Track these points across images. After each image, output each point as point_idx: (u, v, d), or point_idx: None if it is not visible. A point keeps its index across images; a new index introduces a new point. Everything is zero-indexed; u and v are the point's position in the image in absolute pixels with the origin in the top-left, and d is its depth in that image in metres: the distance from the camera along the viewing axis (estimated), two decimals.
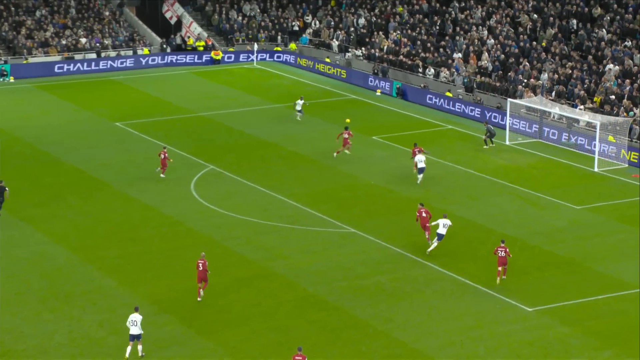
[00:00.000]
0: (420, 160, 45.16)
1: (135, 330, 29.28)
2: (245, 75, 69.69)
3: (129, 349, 29.32)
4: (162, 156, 46.07)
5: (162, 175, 46.05)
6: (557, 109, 53.32)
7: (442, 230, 37.16)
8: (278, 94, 63.82)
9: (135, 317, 29.46)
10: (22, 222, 40.52)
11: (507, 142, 52.69)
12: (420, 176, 45.27)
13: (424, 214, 37.74)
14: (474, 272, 35.93)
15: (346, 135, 48.95)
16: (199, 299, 33.38)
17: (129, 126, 55.92)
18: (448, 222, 37.16)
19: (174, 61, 71.95)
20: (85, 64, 69.37)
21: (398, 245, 38.43)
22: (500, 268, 34.36)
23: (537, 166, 49.03)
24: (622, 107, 52.28)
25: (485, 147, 51.35)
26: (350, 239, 39.37)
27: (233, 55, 73.29)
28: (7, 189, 41.23)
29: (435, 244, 37.23)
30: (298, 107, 55.95)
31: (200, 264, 33.45)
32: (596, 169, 48.56)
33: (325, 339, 30.91)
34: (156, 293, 34.15)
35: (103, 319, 32.13)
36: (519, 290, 34.42)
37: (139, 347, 29.36)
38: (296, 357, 27.94)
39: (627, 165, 48.92)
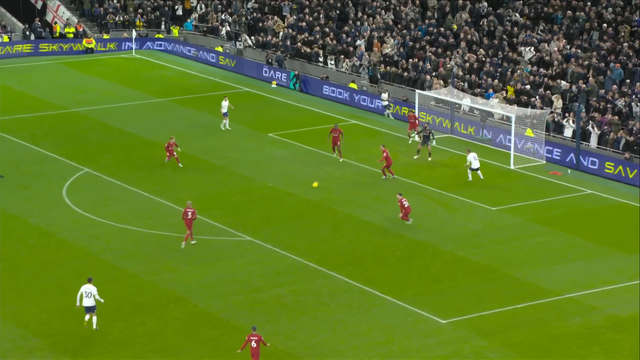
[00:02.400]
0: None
1: (89, 302, 31.62)
2: (123, 66, 68.94)
3: (86, 317, 31.94)
4: (172, 147, 47.41)
5: (179, 165, 47.71)
6: (468, 101, 54.46)
7: (476, 164, 45.76)
8: (161, 87, 63.37)
9: (89, 287, 31.67)
10: None
11: (417, 138, 53.50)
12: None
13: (406, 205, 40.81)
14: (383, 282, 36.40)
15: (336, 134, 49.02)
16: (183, 244, 38.51)
17: None
18: (475, 154, 46.02)
19: (40, 50, 70.63)
20: None
21: (299, 254, 38.63)
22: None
23: (448, 164, 49.96)
24: (539, 98, 53.75)
25: (416, 156, 50.25)
26: (245, 248, 39.38)
27: (108, 44, 72.36)
28: None
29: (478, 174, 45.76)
30: (224, 110, 53.46)
31: (190, 213, 38.13)
32: (512, 167, 49.80)
33: (220, 359, 30.88)
34: (23, 315, 33.49)
35: None
36: (432, 301, 35.02)
37: (94, 319, 31.77)
38: (251, 337, 29.23)
39: (545, 162, 50.30)
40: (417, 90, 55.95)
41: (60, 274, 36.52)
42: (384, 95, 57.66)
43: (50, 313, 33.68)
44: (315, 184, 44.88)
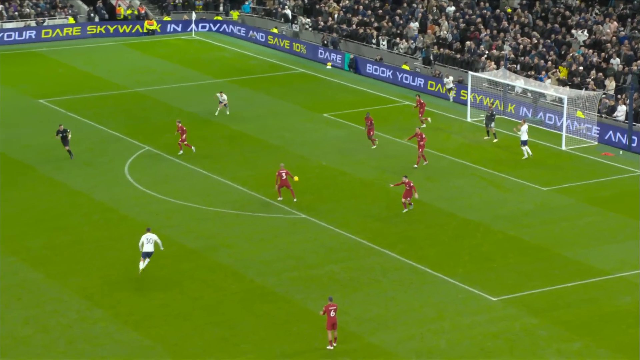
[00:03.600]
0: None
1: (149, 247, 33.77)
2: (183, 47, 69.35)
3: (141, 264, 33.78)
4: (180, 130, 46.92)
5: (192, 149, 47.03)
6: (521, 82, 53.97)
7: (524, 137, 46.12)
8: (219, 68, 63.66)
9: (150, 235, 33.99)
10: None
11: (469, 119, 53.22)
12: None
13: (408, 187, 39.79)
14: (434, 260, 36.36)
15: (369, 124, 48.00)
16: (280, 198, 40.83)
17: (55, 103, 55.39)
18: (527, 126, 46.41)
19: (104, 32, 71.29)
20: (4, 35, 68.40)
21: (352, 232, 38.71)
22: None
23: (500, 145, 49.62)
24: (591, 80, 53.11)
25: (486, 137, 49.70)
26: (300, 225, 39.54)
27: (169, 25, 72.84)
28: None
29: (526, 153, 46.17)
30: (224, 98, 52.89)
31: (283, 173, 40.42)
32: (564, 147, 49.32)
33: (274, 333, 31.09)
34: (88, 286, 34.02)
35: (29, 315, 31.93)
36: (483, 279, 34.92)
37: (146, 261, 33.81)
38: (330, 307, 29.38)
39: (597, 143, 49.74)
40: (470, 72, 55.55)
41: (122, 248, 37.02)
42: (448, 79, 56.97)
43: (113, 285, 34.18)
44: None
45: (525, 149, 46.99)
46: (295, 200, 41.07)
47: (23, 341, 30.35)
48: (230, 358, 29.68)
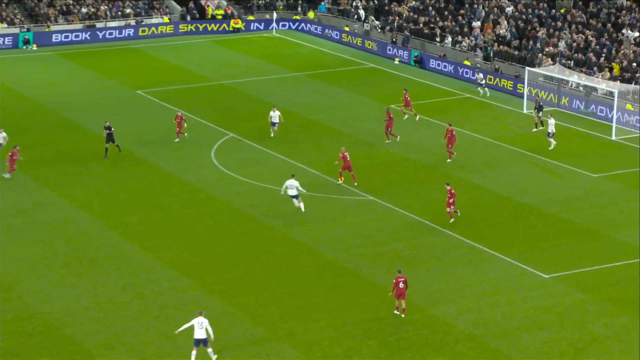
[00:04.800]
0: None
1: (292, 192, 32.78)
2: (265, 44, 69.55)
3: (295, 203, 34.60)
4: (178, 120, 46.42)
5: (179, 139, 46.41)
6: (575, 77, 52.95)
7: (551, 129, 44.97)
8: (297, 63, 63.70)
9: (292, 181, 32.67)
10: (46, 188, 40.81)
11: (525, 111, 52.43)
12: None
13: (448, 195, 37.01)
14: (491, 240, 35.96)
15: (389, 120, 46.58)
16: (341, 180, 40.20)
17: (150, 94, 56.03)
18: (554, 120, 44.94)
19: (194, 30, 71.87)
20: (106, 33, 69.43)
21: (416, 213, 38.48)
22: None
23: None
24: None
25: (535, 129, 48.51)
26: (368, 206, 39.45)
27: (252, 24, 73.11)
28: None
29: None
30: (275, 120, 47.19)
31: (347, 155, 39.99)
32: (614, 137, 48.28)
33: (344, 304, 31.09)
34: (178, 259, 34.41)
35: (126, 283, 32.44)
36: (536, 258, 34.44)
37: (302, 205, 33.20)
38: (399, 279, 29.53)
39: None
40: (527, 68, 54.67)
41: (208, 225, 37.34)
42: (479, 75, 56.01)
43: (200, 258, 34.51)
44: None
45: (552, 140, 45.84)
46: (355, 184, 40.91)
47: (121, 306, 30.86)
48: (304, 325, 29.78)
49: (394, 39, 66.19)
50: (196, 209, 39.04)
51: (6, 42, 66.23)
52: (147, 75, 60.30)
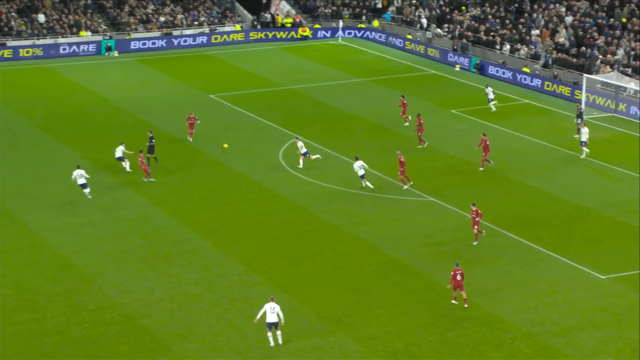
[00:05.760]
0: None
1: (360, 171, 32.01)
2: (331, 51, 69.59)
3: (363, 183, 33.88)
4: (191, 121, 46.63)
5: (189, 139, 46.67)
6: (633, 84, 51.84)
7: (584, 137, 43.60)
8: (361, 69, 63.59)
9: (359, 164, 32.00)
10: (124, 186, 41.41)
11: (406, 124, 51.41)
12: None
13: (474, 215, 35.18)
14: (548, 241, 35.39)
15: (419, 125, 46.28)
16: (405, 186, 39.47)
17: (222, 98, 56.51)
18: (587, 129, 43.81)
19: (264, 37, 72.26)
20: (182, 40, 70.26)
21: None
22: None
23: (611, 140, 47.84)
24: None
25: (576, 136, 47.03)
26: (428, 207, 39.16)
27: (319, 32, 73.22)
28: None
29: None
30: (302, 150, 43.32)
31: (401, 157, 39.74)
32: None
33: (405, 301, 30.91)
34: (247, 254, 34.60)
35: (199, 277, 32.72)
36: (592, 259, 33.78)
37: (369, 182, 32.24)
38: (456, 271, 29.63)
39: None
40: (585, 75, 53.69)
41: (276, 223, 37.47)
42: (489, 90, 53.52)
43: (267, 254, 34.65)
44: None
45: (584, 149, 44.55)
46: (411, 183, 40.55)
47: (194, 298, 31.14)
48: (366, 320, 29.68)
49: (455, 47, 65.63)
50: (264, 208, 39.21)
51: (90, 49, 67.51)
52: (219, 80, 60.82)
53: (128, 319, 29.74)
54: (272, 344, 27.89)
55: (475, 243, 34.90)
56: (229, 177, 42.88)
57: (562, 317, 29.73)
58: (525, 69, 59.89)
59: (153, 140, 43.79)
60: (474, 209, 35.09)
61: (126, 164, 42.40)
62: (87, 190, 38.87)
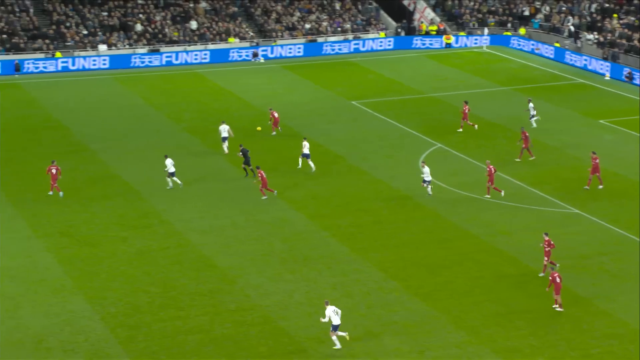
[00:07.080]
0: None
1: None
2: (474, 59, 68.69)
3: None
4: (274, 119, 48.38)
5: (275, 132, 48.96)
6: None
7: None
8: (506, 77, 62.45)
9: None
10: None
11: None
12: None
13: (545, 245, 32.78)
14: None
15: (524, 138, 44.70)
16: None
17: (364, 105, 56.74)
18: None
19: (408, 44, 72.12)
20: (326, 47, 71.06)
21: (622, 227, 36.65)
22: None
23: None
24: None
25: None
26: (573, 219, 38.00)
27: (463, 40, 72.45)
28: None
29: None
30: (305, 150, 43.93)
31: (493, 168, 39.00)
32: None
33: (547, 314, 30.09)
34: (385, 261, 34.57)
35: (337, 282, 32.95)
36: None
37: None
38: (554, 274, 29.76)
39: None
40: None
41: (415, 230, 37.28)
42: (530, 106, 50.39)
43: (405, 262, 34.50)
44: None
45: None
46: (502, 193, 39.46)
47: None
48: (505, 331, 29.09)
49: (606, 55, 63.45)
50: (403, 215, 39.08)
51: (237, 56, 69.30)
52: (361, 87, 61.12)
53: (267, 321, 30.27)
54: (338, 346, 28.02)
55: (541, 274, 32.76)
56: (369, 183, 42.98)
57: None
58: None
59: (245, 152, 43.00)
60: (546, 239, 32.73)
61: (225, 145, 45.91)
62: (175, 179, 41.36)
